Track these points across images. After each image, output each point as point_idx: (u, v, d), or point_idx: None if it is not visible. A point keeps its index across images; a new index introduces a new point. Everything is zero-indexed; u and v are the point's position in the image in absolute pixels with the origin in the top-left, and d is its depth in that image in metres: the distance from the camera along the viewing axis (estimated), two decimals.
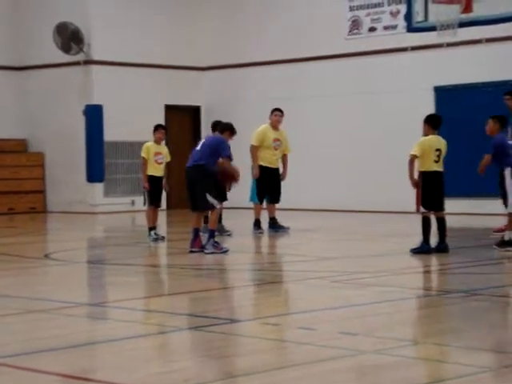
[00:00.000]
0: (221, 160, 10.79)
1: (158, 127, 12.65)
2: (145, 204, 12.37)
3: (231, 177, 10.83)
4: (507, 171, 10.52)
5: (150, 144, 12.47)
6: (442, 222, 10.46)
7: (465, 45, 15.84)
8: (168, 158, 12.56)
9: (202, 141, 11.03)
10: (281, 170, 13.54)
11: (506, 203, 10.66)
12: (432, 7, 12.64)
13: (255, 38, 19.22)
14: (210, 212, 10.89)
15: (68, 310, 7.16)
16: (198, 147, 10.85)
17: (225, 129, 11.16)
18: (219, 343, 5.93)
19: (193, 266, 9.89)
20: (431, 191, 10.37)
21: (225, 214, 13.18)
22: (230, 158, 10.80)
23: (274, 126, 13.45)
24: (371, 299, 7.46)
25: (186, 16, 19.80)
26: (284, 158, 13.53)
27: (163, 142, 12.90)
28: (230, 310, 7.37)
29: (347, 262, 10.12)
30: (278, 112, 13.51)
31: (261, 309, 7.43)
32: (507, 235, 10.53)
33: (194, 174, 10.67)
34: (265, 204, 13.54)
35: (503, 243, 10.52)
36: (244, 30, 19.41)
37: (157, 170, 12.39)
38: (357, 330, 6.16)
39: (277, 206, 13.61)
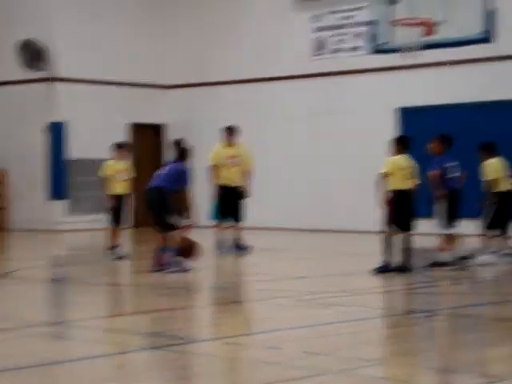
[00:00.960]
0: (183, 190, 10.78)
1: (120, 145, 12.60)
2: (106, 222, 12.36)
3: (190, 252, 10.90)
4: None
5: (112, 162, 12.43)
6: (407, 242, 10.53)
7: (427, 67, 16.04)
8: (129, 175, 12.54)
9: (167, 168, 11.00)
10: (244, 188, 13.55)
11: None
12: (395, 30, 12.79)
13: (219, 57, 19.28)
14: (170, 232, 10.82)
15: (28, 329, 7.07)
16: (162, 171, 10.88)
17: (186, 154, 11.13)
18: (181, 363, 5.90)
19: (156, 285, 9.84)
20: (400, 210, 10.44)
21: (193, 232, 13.09)
22: (188, 186, 10.87)
23: (227, 144, 13.47)
24: (335, 319, 7.48)
25: (150, 34, 19.79)
26: (246, 175, 13.51)
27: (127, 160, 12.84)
28: (192, 329, 7.35)
29: (311, 281, 10.14)
30: (226, 130, 13.55)
31: (224, 328, 7.40)
32: (445, 256, 10.65)
33: (154, 196, 10.70)
34: (228, 223, 13.53)
35: (437, 263, 10.65)
36: (208, 48, 19.45)
37: (120, 188, 12.34)
38: (321, 349, 6.17)
39: (242, 224, 13.59)
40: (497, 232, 11.37)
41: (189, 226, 11.94)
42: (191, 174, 10.99)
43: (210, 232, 13.72)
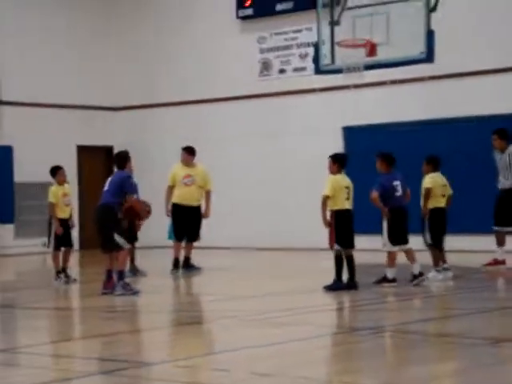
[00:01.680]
0: (128, 198, 10.79)
1: (57, 168, 12.52)
2: (48, 247, 12.28)
3: (136, 214, 10.88)
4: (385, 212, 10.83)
5: (56, 188, 12.38)
6: (351, 259, 10.68)
7: (371, 86, 16.32)
8: (70, 196, 12.52)
9: (109, 179, 11.01)
10: (203, 208, 13.59)
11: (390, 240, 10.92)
12: (339, 51, 12.97)
13: (167, 79, 19.34)
14: (118, 253, 10.78)
15: None
16: (106, 186, 10.88)
17: (123, 161, 11.11)
18: None
19: (105, 309, 9.80)
20: (344, 229, 10.59)
21: (143, 253, 13.12)
22: (134, 193, 10.87)
23: (184, 163, 13.54)
24: (284, 338, 7.55)
25: (97, 56, 19.77)
26: (205, 195, 13.55)
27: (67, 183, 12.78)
28: (141, 353, 7.34)
29: (262, 300, 10.20)
30: (182, 151, 13.64)
31: (174, 351, 7.42)
32: (389, 273, 10.82)
33: (101, 214, 10.71)
34: (183, 242, 13.56)
35: (383, 280, 10.81)
36: (156, 70, 19.50)
37: (65, 212, 12.32)
38: (270, 370, 6.22)
39: (194, 244, 13.60)
40: (436, 248, 11.56)
41: (131, 249, 11.98)
42: (133, 181, 10.96)
43: (167, 251, 13.71)
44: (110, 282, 10.71)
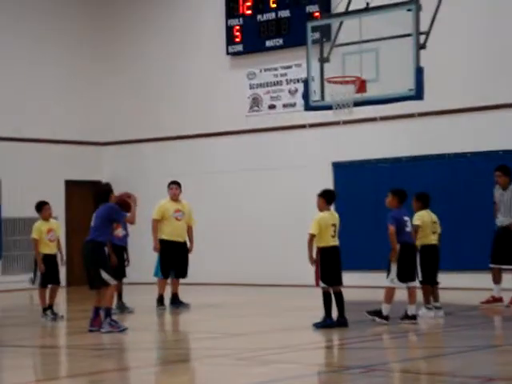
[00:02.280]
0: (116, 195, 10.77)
1: (42, 204, 12.44)
2: (34, 283, 12.16)
3: (127, 205, 10.85)
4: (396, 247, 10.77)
5: (39, 223, 12.29)
6: (339, 296, 10.60)
7: (360, 122, 16.37)
8: (58, 233, 12.42)
9: (94, 214, 10.92)
10: (188, 243, 13.52)
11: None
12: (328, 87, 13.02)
13: (156, 114, 19.36)
14: (105, 289, 10.66)
15: None
16: (92, 222, 10.81)
17: (107, 195, 11.05)
18: None
19: (92, 347, 9.68)
20: (329, 266, 10.53)
21: (129, 289, 12.98)
22: (121, 221, 10.84)
23: (173, 199, 13.50)
24: (273, 376, 7.46)
25: (85, 92, 19.80)
26: (189, 231, 13.50)
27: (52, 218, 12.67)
28: None
29: (250, 338, 10.10)
30: (173, 185, 13.61)
31: None
32: (384, 309, 10.73)
33: (88, 250, 10.64)
34: (170, 279, 13.44)
35: (376, 313, 10.72)
36: (144, 105, 19.53)
37: (50, 247, 12.22)
38: None
39: (181, 280, 13.51)
40: (427, 284, 11.50)
41: (119, 285, 11.91)
42: (118, 211, 10.88)
43: (152, 288, 13.60)
44: (96, 320, 10.60)
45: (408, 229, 10.92)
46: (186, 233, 13.45)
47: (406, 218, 10.96)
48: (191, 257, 13.55)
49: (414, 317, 10.79)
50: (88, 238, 10.75)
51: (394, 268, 10.73)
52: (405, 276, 10.77)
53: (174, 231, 13.31)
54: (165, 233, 13.30)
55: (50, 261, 12.20)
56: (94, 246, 10.60)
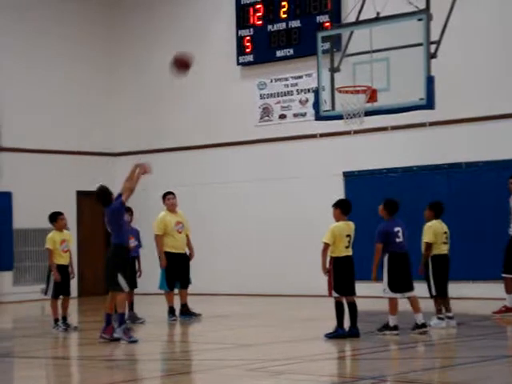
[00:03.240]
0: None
1: (57, 214, 12.45)
2: (47, 294, 12.18)
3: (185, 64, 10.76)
4: (385, 257, 10.73)
5: (53, 233, 12.31)
6: (353, 307, 10.57)
7: (371, 132, 16.35)
8: (71, 243, 12.43)
9: (106, 220, 10.92)
10: (188, 253, 13.49)
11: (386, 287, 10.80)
12: (339, 97, 13.01)
13: (168, 124, 19.40)
14: (116, 295, 10.67)
15: None
16: (108, 228, 10.90)
17: (110, 196, 10.98)
18: None
19: (103, 358, 9.67)
20: (343, 276, 10.50)
21: (141, 300, 12.95)
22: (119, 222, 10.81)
23: (171, 209, 13.46)
24: None
25: (97, 102, 19.86)
26: (187, 240, 13.46)
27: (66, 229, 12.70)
28: None
29: (261, 349, 10.07)
30: (170, 195, 13.59)
31: None
32: (391, 320, 10.67)
33: (112, 253, 10.71)
34: (176, 290, 13.43)
35: (385, 327, 10.67)
36: (156, 116, 19.57)
37: (64, 258, 12.24)
38: None
39: (190, 291, 13.50)
40: (440, 296, 11.45)
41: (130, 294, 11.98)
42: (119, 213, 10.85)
43: (161, 299, 13.59)
44: (108, 328, 10.59)
45: (399, 239, 10.77)
46: (185, 243, 13.41)
47: (397, 229, 10.77)
48: (204, 268, 13.56)
49: (423, 325, 10.73)
50: (113, 242, 10.80)
51: (385, 278, 10.69)
52: (397, 286, 10.67)
53: (176, 244, 13.27)
54: (168, 246, 13.25)
55: (62, 272, 12.21)
56: (114, 249, 10.69)
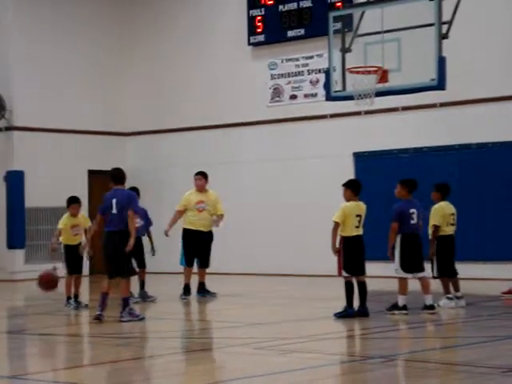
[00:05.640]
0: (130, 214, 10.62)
1: (71, 202, 12.52)
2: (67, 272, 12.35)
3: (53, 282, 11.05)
4: (398, 238, 10.76)
5: (66, 217, 12.41)
6: (362, 286, 10.62)
7: (382, 113, 16.34)
8: (87, 224, 12.44)
9: (114, 200, 10.65)
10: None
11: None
12: (350, 77, 13.01)
13: (178, 104, 19.42)
14: (126, 279, 10.72)
15: None
16: (114, 210, 10.61)
17: (124, 177, 11.02)
18: None
19: (114, 335, 9.77)
20: (352, 256, 10.55)
21: (155, 278, 13.00)
22: (136, 211, 10.83)
23: (198, 189, 13.56)
24: (292, 366, 7.49)
25: (108, 82, 19.90)
26: (219, 219, 13.56)
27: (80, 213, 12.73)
28: (149, 380, 7.30)
29: (271, 327, 10.15)
30: (197, 176, 13.70)
31: (181, 379, 7.37)
32: (400, 300, 10.72)
33: (117, 240, 10.54)
34: (196, 268, 13.56)
35: (394, 307, 10.72)
36: (167, 96, 19.59)
37: (73, 239, 12.35)
38: None
39: (206, 269, 13.60)
40: (448, 276, 11.49)
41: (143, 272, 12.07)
42: (136, 199, 10.91)
43: (178, 277, 13.69)
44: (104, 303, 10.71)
45: (413, 221, 10.82)
46: (210, 223, 13.48)
47: (412, 210, 10.83)
48: (218, 247, 13.64)
49: (431, 306, 10.78)
50: (113, 227, 10.60)
51: (397, 259, 10.74)
52: (409, 266, 10.73)
53: (196, 221, 13.42)
54: (187, 222, 13.45)
55: (72, 251, 12.33)
56: (123, 235, 10.54)
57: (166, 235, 13.40)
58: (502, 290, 12.67)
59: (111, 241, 10.59)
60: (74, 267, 12.33)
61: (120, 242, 10.54)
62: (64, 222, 12.39)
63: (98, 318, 10.55)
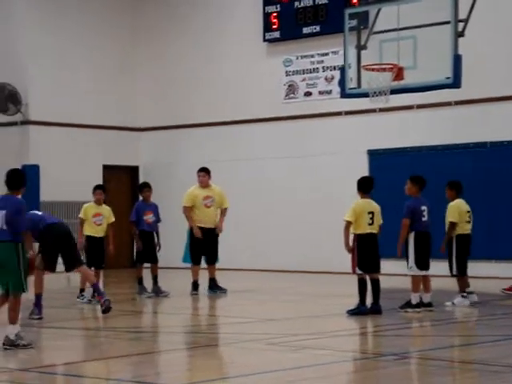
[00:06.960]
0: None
1: (96, 188, 12.67)
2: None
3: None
4: (411, 236, 10.76)
5: (89, 205, 12.49)
6: (376, 284, 10.62)
7: (397, 110, 16.29)
8: (112, 219, 12.52)
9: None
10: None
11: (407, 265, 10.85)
12: (365, 74, 12.98)
13: (193, 100, 19.44)
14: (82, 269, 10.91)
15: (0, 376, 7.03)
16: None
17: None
18: None
19: (126, 329, 9.81)
20: (366, 253, 10.55)
21: (165, 274, 13.03)
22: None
23: (203, 185, 13.52)
24: (303, 363, 7.50)
25: (123, 77, 19.95)
26: (222, 212, 13.49)
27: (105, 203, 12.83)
28: (160, 374, 7.32)
29: (284, 323, 10.16)
30: (200, 172, 13.60)
31: (192, 373, 7.39)
32: (413, 298, 10.71)
33: (68, 231, 10.71)
34: (205, 264, 13.53)
35: (407, 305, 10.71)
36: (182, 92, 19.62)
37: (95, 230, 12.37)
38: None
39: (215, 266, 13.58)
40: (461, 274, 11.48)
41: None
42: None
43: (188, 273, 13.73)
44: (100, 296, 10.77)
45: (424, 218, 10.83)
46: (216, 218, 13.43)
47: (423, 208, 10.85)
48: (228, 243, 13.62)
49: (429, 304, 10.77)
50: (58, 219, 10.92)
51: (411, 256, 10.73)
52: (422, 264, 10.73)
53: (204, 218, 13.33)
54: (196, 220, 13.32)
55: (93, 243, 12.35)
56: (67, 227, 10.68)
57: (198, 236, 13.15)
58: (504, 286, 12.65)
59: (61, 232, 10.70)
60: (93, 260, 12.32)
61: (69, 232, 10.66)
62: (86, 210, 12.39)
63: (108, 306, 10.60)
